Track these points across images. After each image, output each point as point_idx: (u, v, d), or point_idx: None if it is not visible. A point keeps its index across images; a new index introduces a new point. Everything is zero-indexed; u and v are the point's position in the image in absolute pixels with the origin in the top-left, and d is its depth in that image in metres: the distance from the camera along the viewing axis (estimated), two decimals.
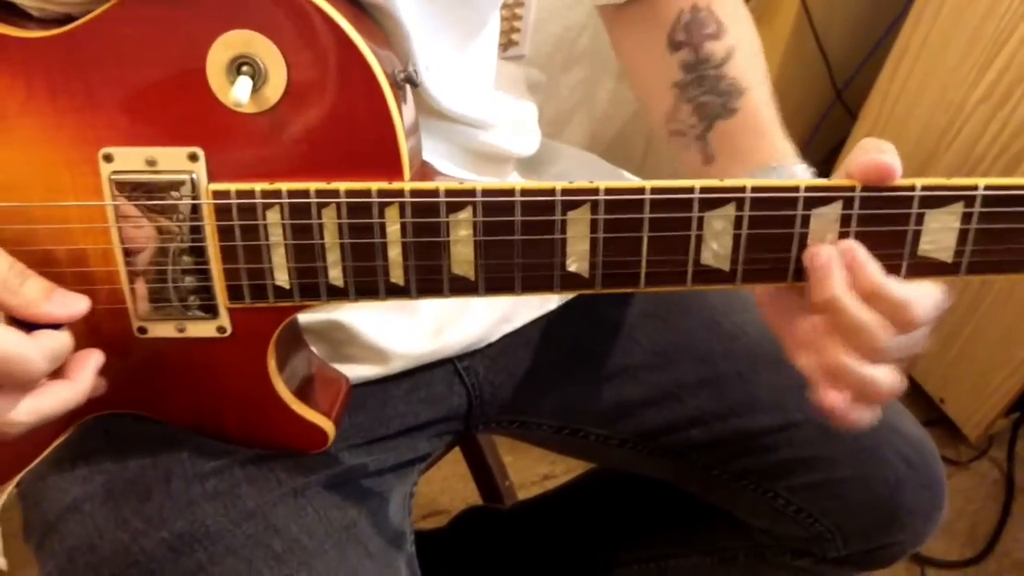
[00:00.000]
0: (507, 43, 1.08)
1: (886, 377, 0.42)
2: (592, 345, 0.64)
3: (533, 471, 1.20)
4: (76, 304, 0.41)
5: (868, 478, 0.63)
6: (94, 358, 0.41)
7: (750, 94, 0.55)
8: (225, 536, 0.45)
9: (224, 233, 0.42)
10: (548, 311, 0.62)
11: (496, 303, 0.59)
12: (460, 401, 0.61)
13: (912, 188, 0.41)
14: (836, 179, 0.42)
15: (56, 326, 0.39)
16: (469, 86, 0.54)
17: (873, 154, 0.41)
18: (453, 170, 0.55)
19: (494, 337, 0.61)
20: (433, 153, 0.51)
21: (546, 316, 0.62)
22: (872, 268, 0.41)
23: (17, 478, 0.51)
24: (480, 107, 0.54)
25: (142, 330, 0.44)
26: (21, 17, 0.42)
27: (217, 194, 0.41)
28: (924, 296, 0.42)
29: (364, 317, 0.53)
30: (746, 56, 0.57)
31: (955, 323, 1.34)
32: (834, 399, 0.43)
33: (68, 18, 0.41)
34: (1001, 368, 1.28)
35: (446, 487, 1.16)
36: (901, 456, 0.65)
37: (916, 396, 1.43)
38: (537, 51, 1.08)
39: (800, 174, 0.51)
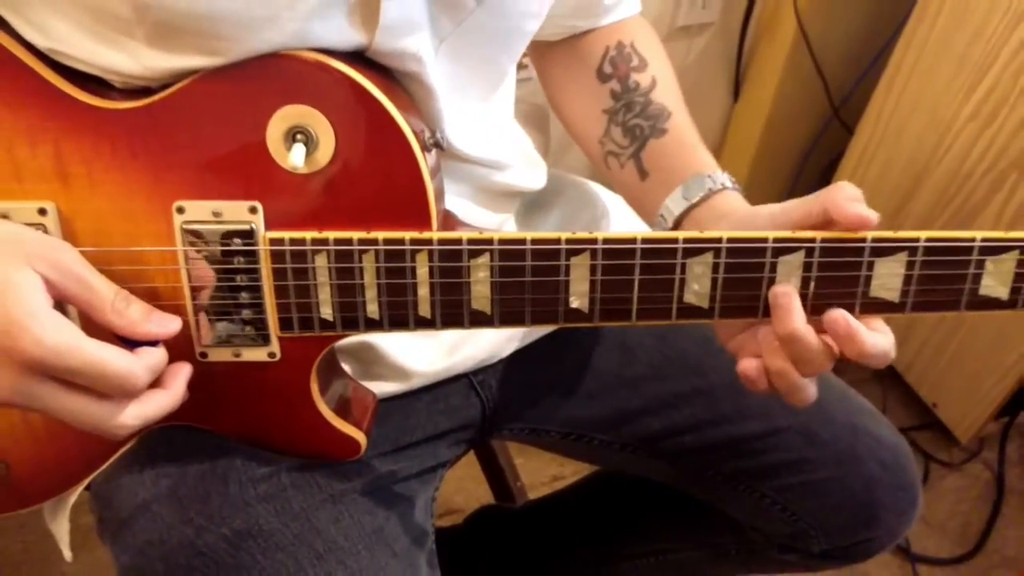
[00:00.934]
0: (517, 66, 1.15)
1: (811, 387, 0.50)
2: (595, 359, 0.70)
3: (543, 472, 1.26)
4: (171, 324, 0.47)
5: (846, 479, 0.69)
6: (186, 369, 0.48)
7: (675, 117, 0.63)
8: (276, 534, 0.52)
9: (278, 274, 0.49)
10: (551, 330, 0.69)
11: None
12: (475, 412, 0.67)
13: (864, 240, 0.47)
14: (801, 224, 0.49)
15: (153, 343, 0.47)
16: (490, 131, 0.61)
17: (858, 207, 0.47)
18: (469, 207, 0.62)
19: (504, 353, 0.67)
20: (450, 193, 0.58)
21: (551, 333, 0.69)
22: (861, 330, 0.48)
23: (87, 480, 0.58)
24: (498, 149, 0.61)
25: (203, 355, 0.51)
26: (104, 86, 0.49)
27: (273, 241, 0.48)
28: (882, 343, 0.48)
29: (388, 339, 0.60)
30: (667, 85, 0.65)
31: (947, 332, 1.40)
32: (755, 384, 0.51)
33: (146, 89, 0.48)
34: (991, 374, 1.34)
35: (461, 487, 1.23)
36: (877, 459, 0.70)
37: (910, 401, 1.49)
38: None
39: (727, 182, 0.58)
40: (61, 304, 0.44)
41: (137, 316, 0.46)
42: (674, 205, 0.60)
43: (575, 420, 0.71)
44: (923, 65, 1.31)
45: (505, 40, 0.56)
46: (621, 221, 0.72)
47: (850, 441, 0.70)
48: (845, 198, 0.48)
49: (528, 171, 0.67)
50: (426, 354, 0.62)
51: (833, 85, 1.51)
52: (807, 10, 1.40)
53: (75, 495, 0.60)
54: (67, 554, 0.63)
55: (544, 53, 0.72)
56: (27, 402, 0.43)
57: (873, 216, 0.47)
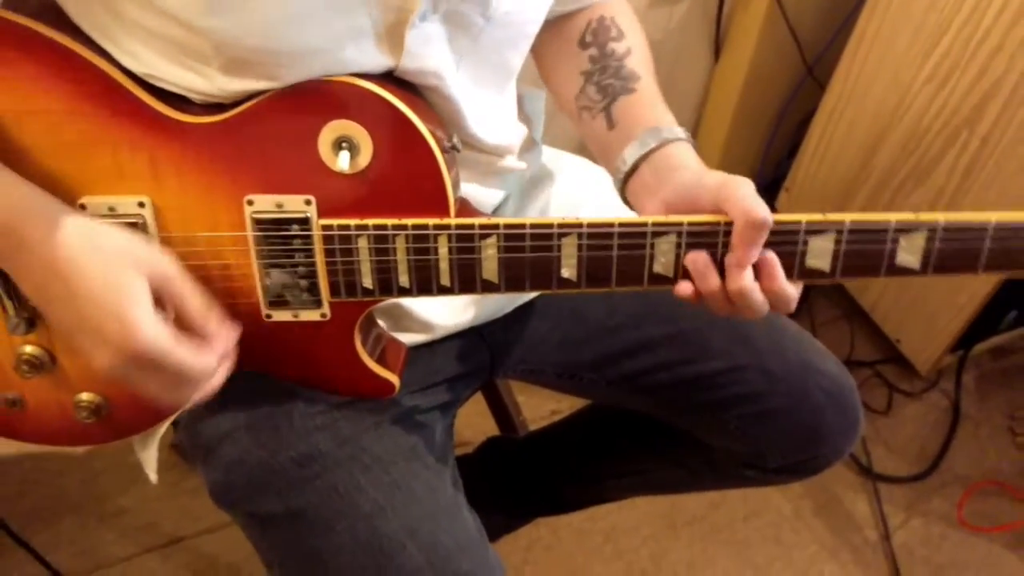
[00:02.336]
0: None
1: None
2: (583, 311, 0.83)
3: (543, 408, 1.40)
4: (234, 332, 0.60)
5: (796, 407, 0.82)
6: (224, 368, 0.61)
7: (643, 80, 0.74)
8: (332, 454, 0.66)
9: (328, 252, 0.62)
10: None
11: None
12: (484, 357, 0.80)
13: (799, 223, 0.60)
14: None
15: None
16: (503, 119, 0.73)
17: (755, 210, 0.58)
18: (477, 188, 0.74)
19: (508, 309, 0.80)
20: (462, 178, 0.70)
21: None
22: (782, 274, 0.60)
23: (174, 417, 0.72)
24: (509, 135, 0.73)
25: (268, 316, 0.64)
26: (186, 102, 0.61)
27: (324, 227, 0.61)
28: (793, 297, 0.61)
29: (415, 300, 0.73)
30: (640, 55, 0.76)
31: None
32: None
33: (220, 104, 0.60)
34: (946, 311, 1.46)
35: (470, 423, 1.37)
36: (822, 389, 0.82)
37: (875, 336, 1.62)
38: None
39: (680, 134, 0.69)
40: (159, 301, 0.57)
41: (213, 324, 0.58)
42: (631, 154, 0.69)
43: (567, 362, 0.84)
44: (885, 32, 1.41)
45: (514, 44, 0.68)
46: (605, 196, 0.84)
47: (800, 375, 0.82)
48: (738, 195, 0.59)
49: (527, 154, 0.79)
50: (446, 311, 0.75)
51: (806, 46, 1.61)
52: None
53: (163, 428, 0.73)
54: (152, 477, 0.76)
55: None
56: (121, 378, 0.55)
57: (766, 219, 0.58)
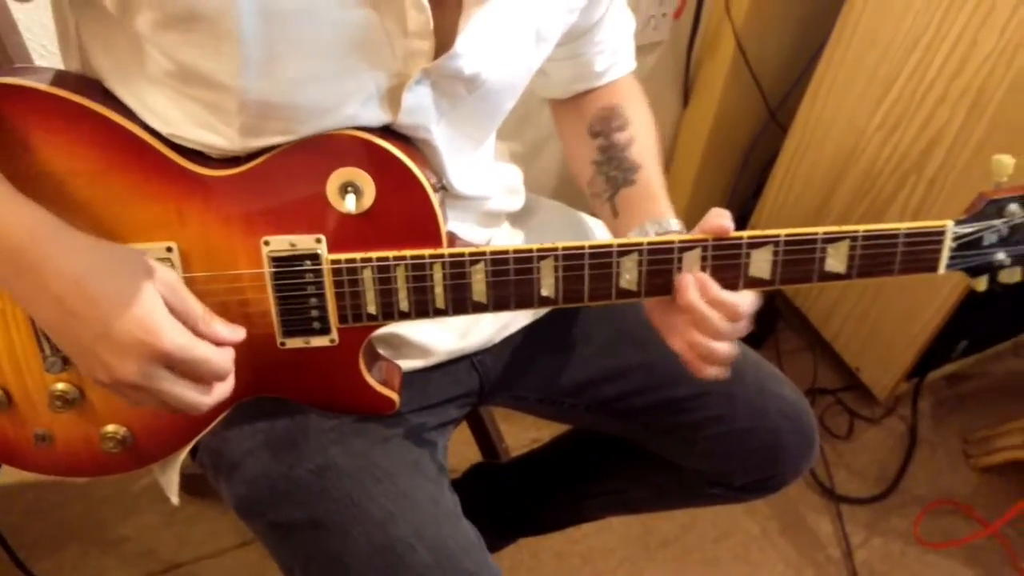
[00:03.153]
0: None
1: (723, 348, 0.70)
2: (563, 342, 0.91)
3: (524, 436, 1.46)
4: (239, 332, 0.67)
5: (757, 429, 0.89)
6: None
7: (643, 170, 0.82)
8: (345, 467, 0.72)
9: (336, 284, 0.69)
10: (533, 320, 0.90)
11: (499, 318, 0.86)
12: (475, 383, 0.88)
13: (741, 238, 0.68)
14: (696, 234, 0.70)
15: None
16: (480, 172, 0.81)
17: (719, 219, 0.68)
18: (466, 227, 0.82)
19: (497, 339, 0.87)
20: (453, 219, 0.78)
21: (531, 324, 0.90)
22: (714, 286, 0.68)
23: (194, 442, 0.78)
24: (485, 186, 0.82)
25: (283, 344, 0.72)
26: (204, 157, 0.68)
27: (333, 261, 0.68)
28: (744, 299, 0.70)
29: (413, 329, 0.81)
30: (643, 143, 0.85)
31: (865, 307, 1.61)
32: (692, 363, 0.71)
33: (236, 158, 0.68)
34: (901, 341, 1.55)
35: (455, 450, 1.39)
36: (781, 413, 0.90)
37: (837, 366, 1.71)
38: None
39: (674, 226, 0.77)
40: None
41: (217, 327, 0.65)
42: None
43: (548, 388, 0.91)
44: (841, 80, 1.52)
45: (491, 115, 0.77)
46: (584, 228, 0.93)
47: (760, 400, 0.90)
48: (710, 214, 0.68)
49: (508, 198, 0.88)
50: (441, 339, 0.83)
51: (769, 93, 1.71)
52: (743, 29, 1.60)
53: (183, 454, 0.79)
54: (174, 499, 0.83)
55: (557, 107, 0.93)
56: (147, 383, 0.60)
57: (730, 227, 0.68)
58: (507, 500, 1.15)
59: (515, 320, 0.88)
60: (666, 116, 1.84)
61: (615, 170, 0.84)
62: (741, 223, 1.86)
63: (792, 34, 1.65)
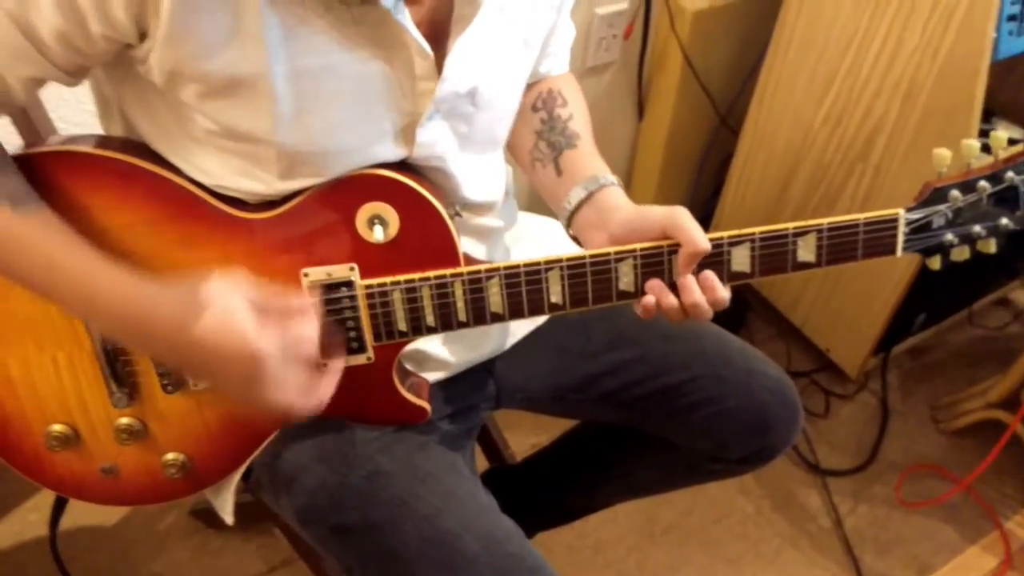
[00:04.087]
0: None
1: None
2: (565, 343, 0.99)
3: (525, 442, 1.52)
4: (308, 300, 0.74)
5: (746, 406, 0.97)
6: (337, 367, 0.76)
7: (583, 139, 0.93)
8: (392, 472, 0.80)
9: (370, 306, 0.78)
10: (537, 326, 0.99)
11: (504, 328, 0.95)
12: (492, 388, 0.96)
13: (722, 239, 0.78)
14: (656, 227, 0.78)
15: None
16: (491, 177, 0.89)
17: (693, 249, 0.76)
18: (473, 246, 0.91)
19: (506, 346, 0.96)
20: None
21: (534, 330, 0.98)
22: (719, 285, 0.77)
23: (246, 465, 0.85)
24: (496, 189, 0.90)
25: (324, 365, 0.80)
26: (242, 203, 0.76)
27: (366, 287, 0.77)
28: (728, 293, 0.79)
29: (432, 346, 0.89)
30: (580, 119, 0.95)
31: (829, 291, 1.72)
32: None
33: (271, 202, 0.76)
34: (865, 318, 1.66)
35: None
36: (767, 390, 0.99)
37: (808, 349, 1.81)
38: None
39: (613, 180, 0.87)
40: None
41: (297, 300, 0.72)
42: (575, 196, 0.87)
43: (557, 386, 1.00)
44: (784, 81, 1.64)
45: (500, 120, 0.86)
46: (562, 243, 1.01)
47: (747, 379, 0.99)
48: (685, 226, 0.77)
49: (507, 209, 0.96)
50: (457, 351, 0.91)
51: (718, 99, 1.83)
52: (688, 43, 1.71)
53: (237, 476, 0.87)
54: (229, 520, 0.89)
55: None
56: (273, 376, 0.67)
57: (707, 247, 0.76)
58: (521, 498, 1.21)
59: (519, 328, 0.97)
60: (623, 130, 1.95)
61: (558, 136, 0.94)
62: (704, 223, 1.94)
63: (734, 44, 1.77)
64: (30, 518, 1.45)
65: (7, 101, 0.70)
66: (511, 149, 1.00)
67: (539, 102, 0.97)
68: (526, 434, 1.53)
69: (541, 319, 0.99)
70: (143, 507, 1.46)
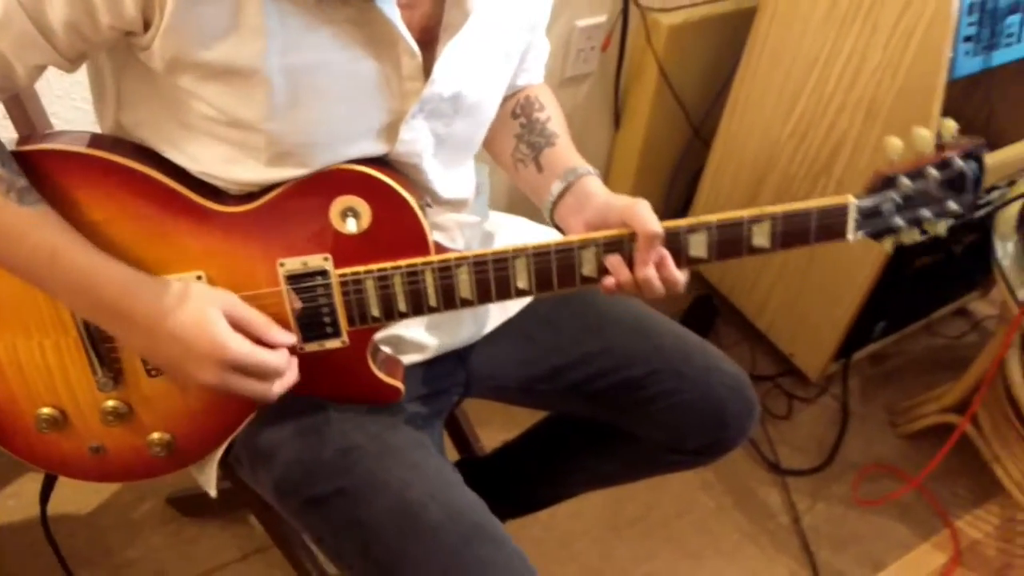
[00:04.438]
0: None
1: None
2: (534, 336, 1.04)
3: (496, 438, 1.57)
4: (291, 337, 0.81)
5: (704, 399, 1.02)
6: (295, 360, 0.81)
7: (560, 137, 0.99)
8: (365, 447, 0.85)
9: (344, 294, 0.82)
10: (508, 318, 1.04)
11: (478, 313, 1.00)
12: (463, 374, 1.01)
13: (679, 227, 0.83)
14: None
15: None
16: (462, 178, 0.94)
17: (646, 227, 0.82)
18: (447, 241, 0.96)
19: (479, 336, 1.01)
20: (435, 233, 0.91)
21: (506, 322, 1.03)
22: (673, 268, 0.83)
23: (228, 442, 0.90)
24: (466, 188, 0.95)
25: (302, 349, 0.84)
26: (222, 195, 0.81)
27: (340, 275, 0.81)
28: (683, 282, 0.84)
29: (409, 332, 0.94)
30: (557, 122, 1.01)
31: (793, 298, 1.78)
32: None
33: (251, 194, 0.81)
34: (827, 324, 1.72)
35: None
36: (724, 385, 1.04)
37: (772, 353, 1.87)
38: None
39: (590, 169, 0.93)
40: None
41: (275, 330, 0.79)
42: (556, 187, 0.93)
43: (525, 377, 1.04)
44: (754, 97, 1.70)
45: (478, 127, 0.91)
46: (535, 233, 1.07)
47: (705, 375, 1.04)
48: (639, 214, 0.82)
49: (478, 205, 1.01)
50: (433, 337, 0.96)
51: (692, 112, 1.89)
52: (664, 56, 1.77)
53: (220, 452, 0.91)
54: (212, 492, 0.94)
55: None
56: (224, 384, 0.75)
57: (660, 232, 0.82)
58: (489, 487, 1.25)
59: (493, 319, 1.02)
60: (599, 139, 2.00)
61: (537, 137, 1.00)
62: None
63: (708, 58, 1.84)
64: (8, 504, 1.48)
65: (10, 86, 0.75)
66: (493, 154, 1.06)
67: (517, 108, 1.02)
68: (496, 431, 1.57)
69: (513, 311, 1.04)
70: (119, 495, 1.51)
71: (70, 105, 1.11)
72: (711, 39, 1.81)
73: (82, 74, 0.82)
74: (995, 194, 1.56)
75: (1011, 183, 1.50)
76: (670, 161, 1.99)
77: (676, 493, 1.62)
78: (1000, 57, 1.45)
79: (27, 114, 0.95)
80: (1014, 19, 1.44)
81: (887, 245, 0.90)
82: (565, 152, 0.99)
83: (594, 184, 0.93)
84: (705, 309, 1.96)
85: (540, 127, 1.01)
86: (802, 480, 1.69)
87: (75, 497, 1.48)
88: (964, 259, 1.77)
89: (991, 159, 1.50)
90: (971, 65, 1.42)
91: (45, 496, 1.06)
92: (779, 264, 1.79)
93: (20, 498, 1.48)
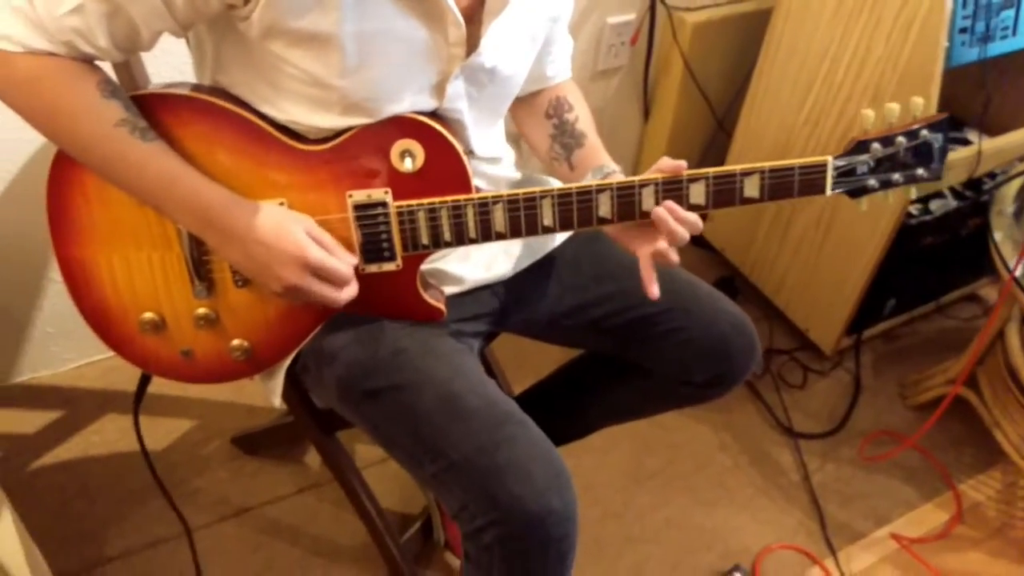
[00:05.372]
0: None
1: (675, 254, 0.98)
2: (560, 276, 1.19)
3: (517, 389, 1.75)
4: (353, 257, 0.97)
5: (710, 335, 1.16)
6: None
7: (589, 137, 1.16)
8: (415, 350, 1.01)
9: (400, 223, 0.99)
10: (537, 259, 1.19)
11: (511, 253, 1.15)
12: (496, 304, 1.16)
13: (681, 177, 0.98)
14: (649, 175, 0.99)
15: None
16: (494, 138, 1.11)
17: (673, 163, 0.98)
18: (484, 186, 1.11)
19: (511, 274, 1.16)
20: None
21: (535, 263, 1.19)
22: (679, 209, 0.97)
23: (296, 350, 1.06)
24: (497, 149, 1.12)
25: (363, 270, 1.01)
26: (301, 137, 0.98)
27: (398, 207, 0.98)
28: (696, 219, 0.99)
29: (451, 266, 1.10)
30: (585, 120, 1.18)
31: (808, 277, 1.91)
32: (646, 271, 1.00)
33: (325, 138, 0.97)
34: (839, 300, 1.85)
35: None
36: (728, 323, 1.17)
37: (790, 329, 2.00)
38: None
39: (615, 167, 1.08)
40: None
41: (341, 250, 0.95)
42: (585, 183, 1.07)
43: (552, 312, 1.19)
44: (772, 89, 1.84)
45: (506, 96, 1.08)
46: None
47: (712, 314, 1.18)
48: (661, 161, 0.98)
49: (510, 167, 1.18)
50: (471, 272, 1.12)
51: (716, 104, 2.04)
52: (689, 52, 1.92)
53: (288, 361, 1.07)
54: (276, 402, 1.11)
55: (514, 104, 1.23)
56: (302, 284, 0.92)
57: (684, 165, 0.97)
58: None
59: (523, 260, 1.18)
60: (630, 130, 2.16)
61: (568, 138, 1.17)
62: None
63: (730, 54, 1.98)
64: (93, 439, 1.66)
65: (136, 47, 0.92)
66: (533, 148, 1.23)
67: (550, 109, 1.20)
68: (519, 383, 1.73)
69: (541, 254, 1.19)
70: (189, 435, 1.69)
71: (167, 64, 1.29)
72: (733, 36, 1.96)
73: (178, 43, 1.00)
74: (1000, 179, 1.69)
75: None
76: (696, 150, 2.14)
77: (695, 451, 1.76)
78: (996, 49, 1.58)
79: (132, 75, 1.12)
80: (1008, 14, 1.57)
81: (862, 205, 1.03)
82: (593, 151, 1.16)
83: (617, 179, 1.06)
84: (728, 289, 2.09)
85: (571, 128, 1.18)
86: (814, 443, 1.81)
87: (150, 436, 1.65)
88: (969, 242, 1.88)
89: (988, 145, 1.65)
90: (967, 55, 1.55)
91: (140, 396, 1.24)
92: (794, 245, 1.92)
93: (103, 434, 1.67)
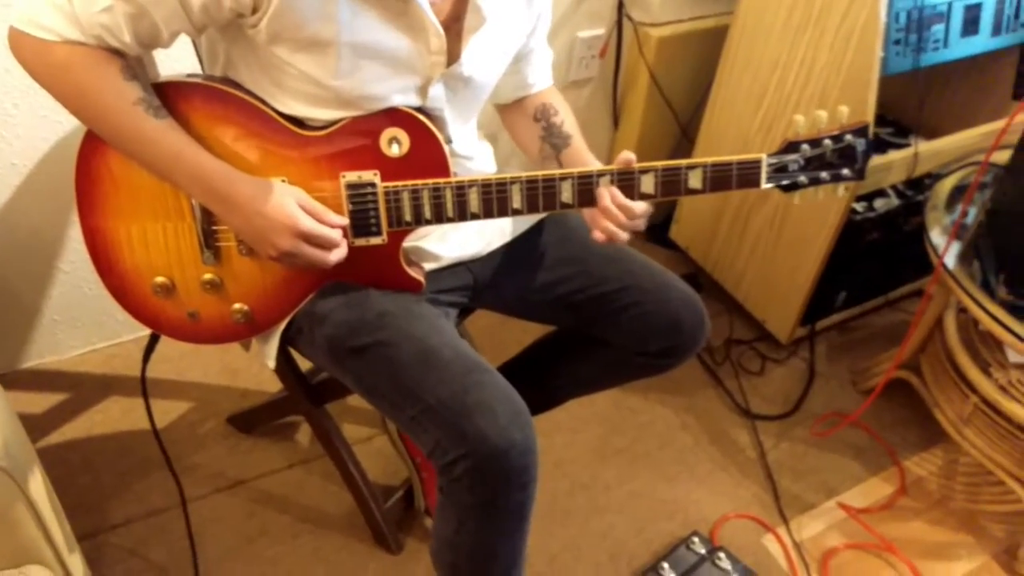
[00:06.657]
0: None
1: (623, 234, 1.12)
2: (529, 257, 1.33)
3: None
4: (344, 220, 1.10)
5: (662, 310, 1.30)
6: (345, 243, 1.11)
7: (574, 137, 1.30)
8: (397, 312, 1.14)
9: (387, 202, 1.12)
10: (507, 241, 1.33)
11: (484, 234, 1.29)
12: (470, 280, 1.30)
13: (634, 170, 1.12)
14: (607, 167, 1.14)
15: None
16: (468, 136, 1.25)
17: (626, 157, 1.12)
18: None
19: (484, 252, 1.30)
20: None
21: (507, 243, 1.33)
22: (619, 195, 1.12)
23: (291, 315, 1.19)
24: (472, 147, 1.26)
25: (352, 242, 1.14)
26: (302, 124, 1.11)
27: (385, 188, 1.11)
28: (638, 205, 1.13)
29: (429, 244, 1.23)
30: (570, 123, 1.32)
31: (764, 272, 2.06)
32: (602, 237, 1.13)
33: (324, 126, 1.11)
34: (792, 292, 1.99)
35: None
36: (679, 300, 1.31)
37: (749, 321, 2.14)
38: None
39: (598, 165, 1.21)
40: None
41: (331, 216, 1.08)
42: None
43: (521, 288, 1.33)
44: (728, 98, 2.00)
45: (480, 96, 1.21)
46: None
47: (664, 289, 1.31)
48: (621, 156, 1.12)
49: (487, 162, 1.32)
50: (446, 250, 1.25)
51: (680, 113, 2.18)
52: (655, 66, 2.07)
53: (283, 324, 1.20)
54: (271, 364, 1.24)
55: (503, 110, 1.39)
56: (294, 249, 1.05)
57: (633, 159, 1.12)
58: None
59: (495, 240, 1.31)
60: (600, 137, 2.31)
61: (556, 139, 1.30)
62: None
63: (693, 66, 2.13)
64: (96, 418, 1.78)
65: (156, 44, 1.05)
66: (524, 149, 1.38)
67: (538, 113, 1.34)
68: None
69: (511, 236, 1.33)
70: (186, 415, 1.81)
71: (178, 62, 1.42)
72: (695, 50, 2.11)
73: (184, 53, 1.14)
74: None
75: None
76: (662, 155, 2.20)
77: (658, 431, 1.89)
78: (928, 59, 1.74)
79: (144, 70, 1.25)
80: (939, 28, 1.73)
81: (795, 199, 1.17)
82: (579, 151, 1.30)
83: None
84: (692, 284, 2.21)
85: (557, 130, 1.32)
86: (770, 424, 1.95)
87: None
88: (913, 239, 2.03)
89: (925, 148, 1.80)
90: (901, 64, 1.71)
91: (148, 354, 1.36)
92: (751, 243, 2.07)
93: (106, 414, 1.78)
